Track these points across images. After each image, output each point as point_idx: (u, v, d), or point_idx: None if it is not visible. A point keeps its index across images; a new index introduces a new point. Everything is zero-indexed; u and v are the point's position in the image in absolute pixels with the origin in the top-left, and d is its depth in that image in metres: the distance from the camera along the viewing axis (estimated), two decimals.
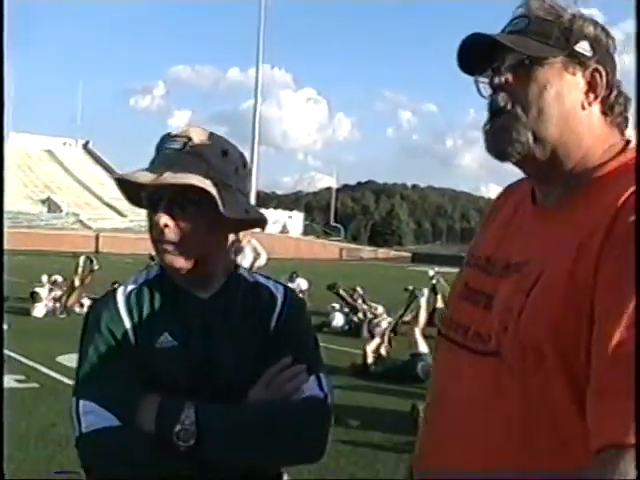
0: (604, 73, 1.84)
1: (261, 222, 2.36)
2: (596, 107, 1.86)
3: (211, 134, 2.26)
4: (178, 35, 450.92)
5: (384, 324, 16.99)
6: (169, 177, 2.11)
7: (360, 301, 19.21)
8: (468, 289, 2.00)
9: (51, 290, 20.11)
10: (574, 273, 1.65)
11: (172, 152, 2.20)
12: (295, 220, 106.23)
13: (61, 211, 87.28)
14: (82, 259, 21.38)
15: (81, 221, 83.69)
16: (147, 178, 2.13)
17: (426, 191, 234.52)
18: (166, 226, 2.16)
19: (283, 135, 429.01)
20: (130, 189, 2.25)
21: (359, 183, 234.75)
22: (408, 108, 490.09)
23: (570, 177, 1.86)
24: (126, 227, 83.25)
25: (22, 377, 11.25)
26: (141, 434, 2.06)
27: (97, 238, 72.39)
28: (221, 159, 2.22)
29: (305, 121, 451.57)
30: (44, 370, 12.00)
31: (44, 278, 21.87)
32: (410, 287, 16.54)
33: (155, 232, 2.20)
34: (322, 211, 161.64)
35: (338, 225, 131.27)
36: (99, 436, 2.09)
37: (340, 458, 7.21)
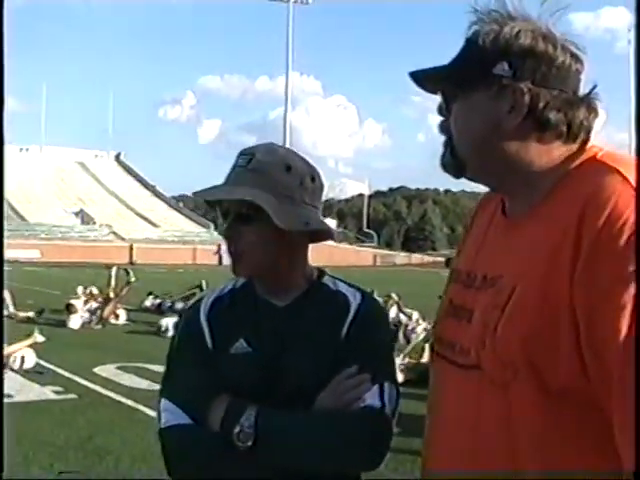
0: (527, 90, 1.82)
1: (327, 233, 2.48)
2: (528, 124, 1.84)
3: (276, 149, 2.39)
4: (206, 45, 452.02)
5: (419, 330, 16.98)
6: (222, 193, 2.32)
7: (395, 307, 19.18)
8: (452, 306, 2.03)
9: (86, 302, 20.26)
10: (547, 286, 1.67)
11: (239, 169, 2.32)
12: None
13: (94, 223, 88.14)
14: (114, 270, 21.56)
15: (114, 232, 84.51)
16: (210, 198, 2.39)
17: (458, 195, 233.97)
18: (231, 237, 2.31)
19: (313, 143, 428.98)
20: (212, 204, 2.46)
21: (391, 189, 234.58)
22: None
23: (525, 188, 1.89)
24: (159, 238, 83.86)
25: (60, 389, 11.32)
26: (209, 433, 2.20)
27: (131, 249, 73.09)
28: (284, 173, 2.31)
29: (335, 128, 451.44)
30: (82, 381, 12.03)
31: (79, 290, 22.08)
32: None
33: (226, 244, 2.34)
34: (354, 218, 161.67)
35: (371, 231, 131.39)
36: (171, 432, 2.27)
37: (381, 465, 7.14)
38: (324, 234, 2.47)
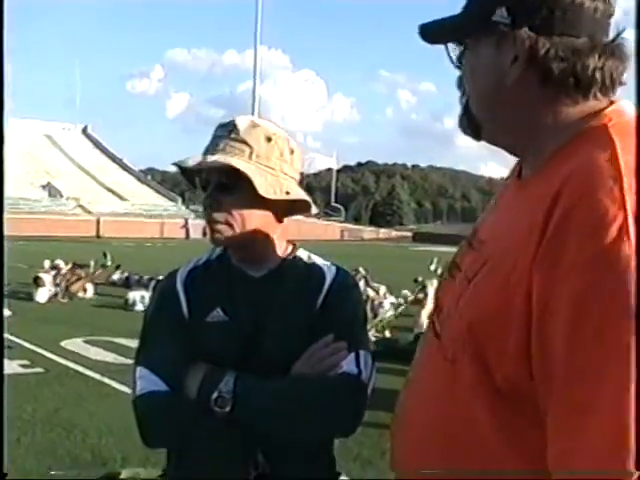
0: (527, 37, 1.62)
1: (305, 204, 2.49)
2: (532, 76, 1.64)
3: (256, 121, 2.42)
4: (174, 18, 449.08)
5: (386, 304, 17.06)
6: (210, 161, 2.30)
7: (363, 282, 19.24)
8: (453, 263, 1.90)
9: (55, 276, 20.15)
10: (512, 270, 1.52)
11: (219, 139, 2.36)
12: None
13: (61, 196, 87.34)
14: (109, 255, 21.88)
15: (81, 206, 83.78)
16: (191, 163, 2.32)
17: (426, 171, 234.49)
18: (210, 206, 2.34)
19: (282, 117, 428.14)
20: (190, 176, 2.47)
21: (359, 164, 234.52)
22: (406, 88, 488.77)
23: (531, 153, 1.74)
24: (127, 211, 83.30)
25: (27, 362, 11.24)
26: (185, 398, 2.21)
27: (98, 223, 72.49)
28: (265, 144, 2.36)
29: (303, 102, 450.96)
30: (48, 355, 11.97)
31: (46, 263, 21.94)
32: (420, 278, 16.54)
33: (205, 213, 2.37)
34: (323, 192, 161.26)
35: (339, 206, 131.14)
36: (147, 399, 2.26)
37: (346, 439, 7.19)
38: (303, 206, 2.49)
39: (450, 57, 1.81)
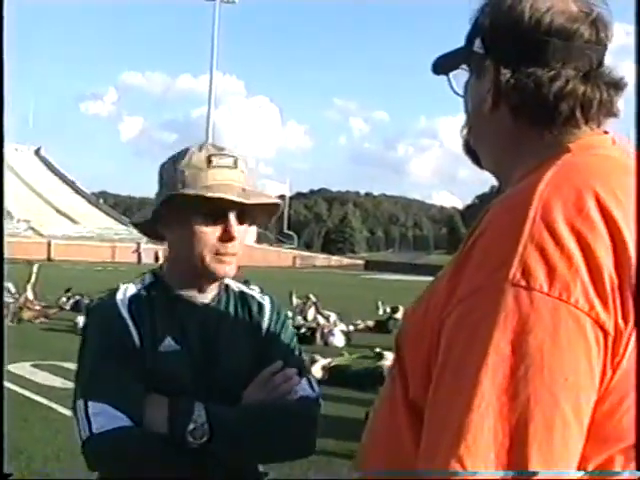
0: (494, 69, 1.61)
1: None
2: (504, 107, 1.61)
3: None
4: (128, 41, 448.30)
5: (337, 332, 17.09)
6: (254, 196, 2.33)
7: (313, 309, 19.24)
8: None
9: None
10: (432, 294, 1.50)
11: (228, 170, 2.33)
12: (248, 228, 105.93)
13: (12, 218, 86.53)
14: (35, 267, 21.37)
15: (33, 228, 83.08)
16: (237, 196, 2.27)
17: (379, 199, 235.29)
18: (230, 239, 2.31)
19: (234, 142, 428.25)
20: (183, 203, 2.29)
21: (312, 191, 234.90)
22: (359, 116, 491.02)
23: (505, 179, 1.69)
24: (78, 234, 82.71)
25: None
26: (156, 434, 2.16)
27: (49, 245, 71.89)
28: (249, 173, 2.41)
29: (257, 128, 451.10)
30: None
31: None
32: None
33: (218, 243, 2.31)
34: (275, 219, 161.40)
35: (291, 233, 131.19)
36: (113, 436, 2.13)
37: (294, 465, 7.17)
38: None
39: (451, 86, 1.78)
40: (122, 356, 2.24)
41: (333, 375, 12.19)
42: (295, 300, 20.69)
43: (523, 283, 1.28)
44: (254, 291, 2.56)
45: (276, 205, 2.47)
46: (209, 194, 2.22)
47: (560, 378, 1.25)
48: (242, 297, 2.52)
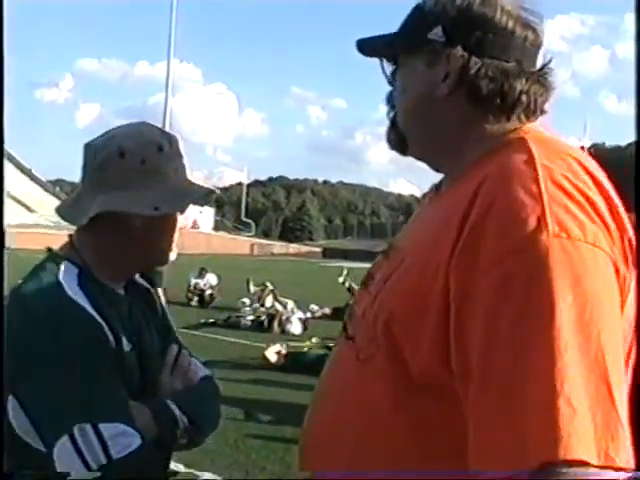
0: (459, 56, 1.72)
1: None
2: (461, 93, 1.74)
3: (113, 135, 2.26)
4: (84, 27, 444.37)
5: (294, 319, 17.11)
6: (208, 184, 2.29)
7: (271, 296, 19.24)
8: (368, 275, 1.93)
9: None
10: (427, 265, 1.56)
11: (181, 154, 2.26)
12: (206, 215, 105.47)
13: None
14: None
15: None
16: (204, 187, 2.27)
17: (337, 187, 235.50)
18: (185, 227, 2.24)
19: (192, 129, 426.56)
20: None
21: (270, 179, 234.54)
22: (317, 104, 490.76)
23: (451, 165, 1.82)
24: (35, 223, 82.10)
25: None
26: (150, 441, 2.01)
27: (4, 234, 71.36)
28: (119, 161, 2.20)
29: (214, 116, 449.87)
30: None
31: None
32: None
33: (175, 231, 2.27)
34: (233, 206, 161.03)
35: (249, 221, 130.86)
36: (138, 457, 1.94)
37: (251, 453, 7.22)
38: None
39: (384, 72, 1.90)
40: (110, 363, 2.01)
41: (290, 361, 12.24)
42: (252, 288, 20.67)
43: (564, 235, 1.41)
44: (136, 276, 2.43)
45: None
46: (216, 192, 2.29)
47: (613, 313, 1.42)
48: (134, 283, 2.39)
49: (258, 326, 17.61)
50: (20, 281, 2.11)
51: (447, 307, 1.49)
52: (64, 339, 1.95)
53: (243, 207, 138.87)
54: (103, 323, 2.02)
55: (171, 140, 2.22)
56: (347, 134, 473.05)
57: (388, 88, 1.95)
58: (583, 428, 1.28)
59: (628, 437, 1.32)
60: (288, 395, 9.76)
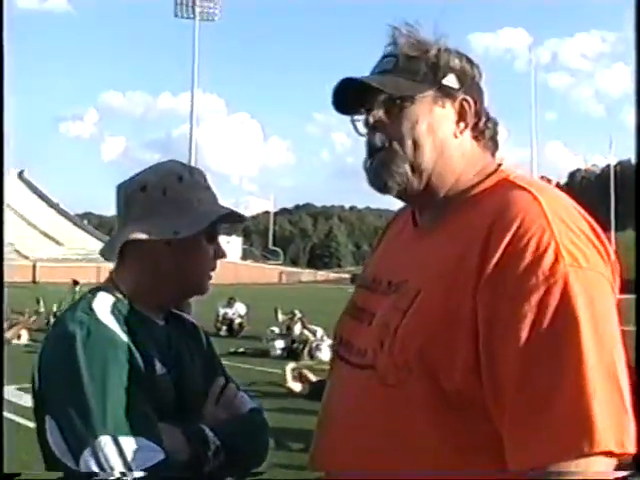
0: (472, 102, 1.96)
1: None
2: (467, 134, 1.97)
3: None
4: (108, 60, 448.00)
5: (324, 347, 17.08)
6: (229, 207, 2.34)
7: (299, 324, 19.24)
8: (356, 307, 2.10)
9: None
10: (449, 293, 1.74)
11: (205, 186, 2.32)
12: (233, 245, 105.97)
13: None
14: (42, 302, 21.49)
15: (17, 251, 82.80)
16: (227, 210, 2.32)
17: (363, 212, 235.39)
18: (225, 255, 2.38)
19: (217, 160, 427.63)
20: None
21: (297, 206, 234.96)
22: (341, 130, 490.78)
23: (444, 200, 1.95)
24: (63, 256, 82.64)
25: None
26: (180, 462, 2.04)
27: (34, 268, 71.69)
28: (139, 194, 2.28)
29: (239, 145, 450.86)
30: None
31: None
32: None
33: (212, 261, 2.34)
34: (260, 235, 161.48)
35: (277, 249, 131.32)
36: (160, 471, 1.96)
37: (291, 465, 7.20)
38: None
39: (381, 113, 1.98)
40: (136, 382, 2.05)
41: (316, 390, 12.20)
42: (280, 316, 20.69)
43: (576, 264, 1.65)
44: (181, 312, 2.51)
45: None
46: (245, 218, 2.43)
47: (616, 326, 1.67)
48: (178, 317, 2.45)
49: (288, 355, 17.63)
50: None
51: (477, 335, 1.68)
52: (90, 357, 2.02)
53: (270, 235, 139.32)
54: (131, 345, 2.09)
55: (192, 171, 2.30)
56: None
57: None
58: (608, 425, 1.52)
59: (633, 427, 1.58)
60: (309, 422, 9.59)
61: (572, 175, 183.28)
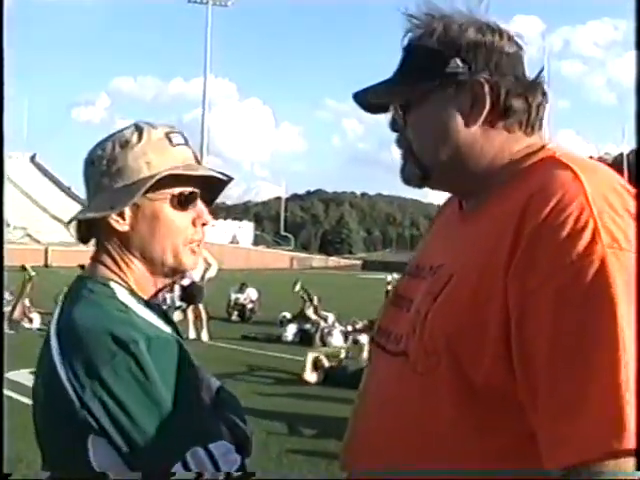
0: (485, 82, 1.80)
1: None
2: (491, 116, 1.83)
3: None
4: (119, 46, 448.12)
5: (335, 332, 17.08)
6: (209, 169, 2.08)
7: (311, 310, 19.25)
8: (397, 295, 2.05)
9: None
10: (482, 277, 1.65)
11: (186, 148, 2.09)
12: (245, 230, 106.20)
13: (8, 225, 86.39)
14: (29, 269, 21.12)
15: (29, 235, 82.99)
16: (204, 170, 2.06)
17: (375, 199, 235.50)
18: (208, 222, 2.09)
19: (228, 145, 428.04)
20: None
21: (308, 192, 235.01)
22: (352, 116, 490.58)
23: (482, 185, 1.86)
24: (75, 240, 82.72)
25: None
26: None
27: (46, 252, 71.76)
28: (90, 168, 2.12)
29: (250, 131, 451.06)
30: None
31: None
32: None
33: (196, 231, 2.07)
34: (272, 221, 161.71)
35: (288, 234, 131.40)
36: (243, 471, 1.86)
37: (294, 467, 7.22)
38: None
39: (396, 119, 1.93)
40: (198, 379, 1.94)
41: (330, 376, 12.20)
42: (298, 287, 20.55)
43: (616, 246, 1.52)
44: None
45: (226, 182, 2.15)
46: (210, 173, 2.05)
47: None
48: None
49: (299, 340, 17.64)
50: (60, 308, 2.01)
51: (507, 321, 1.58)
52: (159, 363, 1.83)
53: (282, 221, 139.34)
54: (180, 340, 1.98)
55: (145, 132, 2.04)
56: (384, 145, 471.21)
57: None
58: (634, 420, 1.40)
59: None
60: (330, 409, 9.66)
61: None
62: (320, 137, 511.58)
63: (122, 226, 2.00)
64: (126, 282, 2.04)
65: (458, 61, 1.82)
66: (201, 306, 17.24)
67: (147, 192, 1.98)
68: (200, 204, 2.07)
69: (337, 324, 18.02)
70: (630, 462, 1.40)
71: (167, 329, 1.99)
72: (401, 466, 1.77)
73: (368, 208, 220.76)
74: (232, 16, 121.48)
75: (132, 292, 2.02)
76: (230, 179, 2.14)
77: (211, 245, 49.50)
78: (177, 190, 2.01)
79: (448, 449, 1.71)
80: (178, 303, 18.48)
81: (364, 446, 1.92)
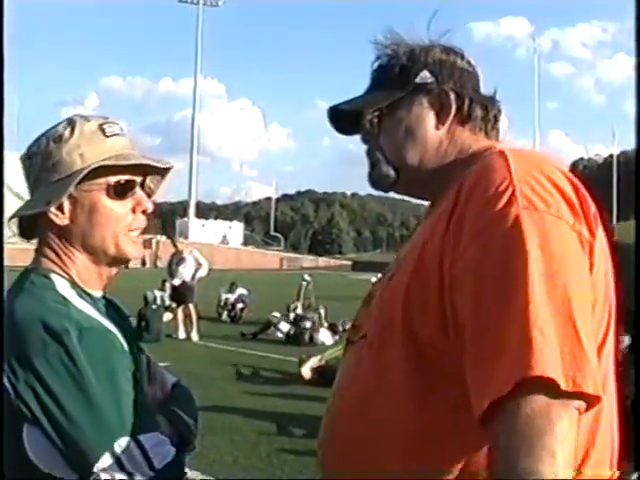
0: (450, 91, 2.00)
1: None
2: (453, 121, 2.02)
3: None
4: (108, 45, 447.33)
5: (322, 330, 17.16)
6: (150, 159, 2.09)
7: (300, 310, 19.33)
8: (369, 295, 2.11)
9: None
10: (423, 252, 1.78)
11: (121, 138, 2.10)
12: (235, 230, 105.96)
13: None
14: None
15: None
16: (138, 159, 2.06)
17: (365, 199, 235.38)
18: (148, 209, 2.10)
19: (217, 145, 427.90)
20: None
21: (298, 192, 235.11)
22: None
23: (445, 185, 1.93)
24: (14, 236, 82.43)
25: None
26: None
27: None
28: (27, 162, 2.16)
29: (239, 131, 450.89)
30: None
31: None
32: None
33: (135, 219, 2.08)
34: (262, 221, 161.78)
35: (278, 235, 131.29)
36: (176, 463, 1.93)
37: (284, 467, 7.26)
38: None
39: (367, 131, 2.09)
40: (131, 371, 1.94)
41: (322, 375, 12.19)
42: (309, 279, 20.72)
43: (532, 207, 1.63)
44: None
45: (166, 170, 2.19)
46: (142, 161, 2.05)
47: (577, 269, 1.63)
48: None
49: (289, 339, 17.65)
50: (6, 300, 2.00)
51: (443, 284, 1.71)
52: (91, 355, 1.85)
53: (272, 221, 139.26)
54: (117, 332, 1.97)
55: (77, 125, 2.06)
56: None
57: None
58: (552, 355, 1.46)
59: (596, 371, 1.52)
60: (320, 408, 9.53)
61: (574, 165, 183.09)
62: (310, 137, 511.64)
63: (62, 220, 2.03)
64: (68, 273, 2.05)
65: (427, 73, 2.03)
66: (191, 306, 17.31)
67: (82, 184, 2.00)
68: (139, 192, 2.09)
69: (324, 322, 18.12)
70: (541, 394, 1.44)
71: (104, 321, 1.97)
72: (361, 450, 1.85)
73: (358, 208, 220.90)
74: (222, 17, 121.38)
75: (73, 284, 2.03)
76: (169, 167, 2.17)
77: (201, 245, 49.58)
78: (113, 179, 2.03)
79: (404, 408, 1.77)
80: (168, 302, 18.52)
81: (327, 435, 2.00)
